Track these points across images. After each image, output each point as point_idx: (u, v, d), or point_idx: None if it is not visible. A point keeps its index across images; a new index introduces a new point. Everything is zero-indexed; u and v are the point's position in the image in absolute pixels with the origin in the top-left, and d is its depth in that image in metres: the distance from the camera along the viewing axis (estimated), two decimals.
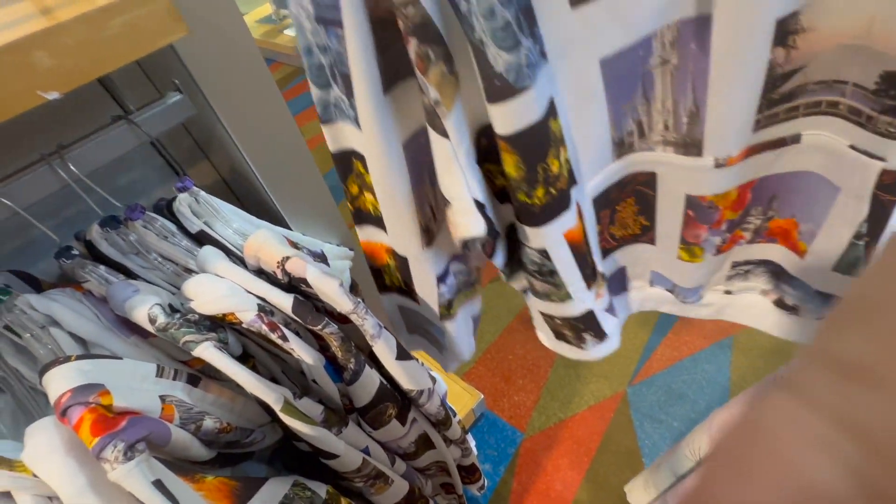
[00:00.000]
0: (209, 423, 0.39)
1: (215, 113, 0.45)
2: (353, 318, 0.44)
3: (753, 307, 0.50)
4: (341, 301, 0.42)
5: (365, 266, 0.53)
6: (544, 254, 0.41)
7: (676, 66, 0.33)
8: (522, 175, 0.35)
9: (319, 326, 0.43)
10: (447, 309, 0.48)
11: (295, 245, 0.47)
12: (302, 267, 0.42)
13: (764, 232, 0.45)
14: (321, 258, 0.50)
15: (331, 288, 0.41)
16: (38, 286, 0.45)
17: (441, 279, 0.45)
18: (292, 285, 0.43)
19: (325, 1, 0.28)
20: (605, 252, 0.47)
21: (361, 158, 0.36)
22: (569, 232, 0.39)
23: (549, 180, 0.35)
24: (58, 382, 0.32)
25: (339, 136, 0.37)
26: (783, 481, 0.17)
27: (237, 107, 0.46)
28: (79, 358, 0.34)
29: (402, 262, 0.45)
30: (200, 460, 0.39)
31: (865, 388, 0.16)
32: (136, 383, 0.36)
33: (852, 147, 0.35)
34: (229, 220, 0.47)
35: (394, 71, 0.32)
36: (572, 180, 0.37)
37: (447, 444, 0.65)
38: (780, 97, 0.34)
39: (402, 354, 0.50)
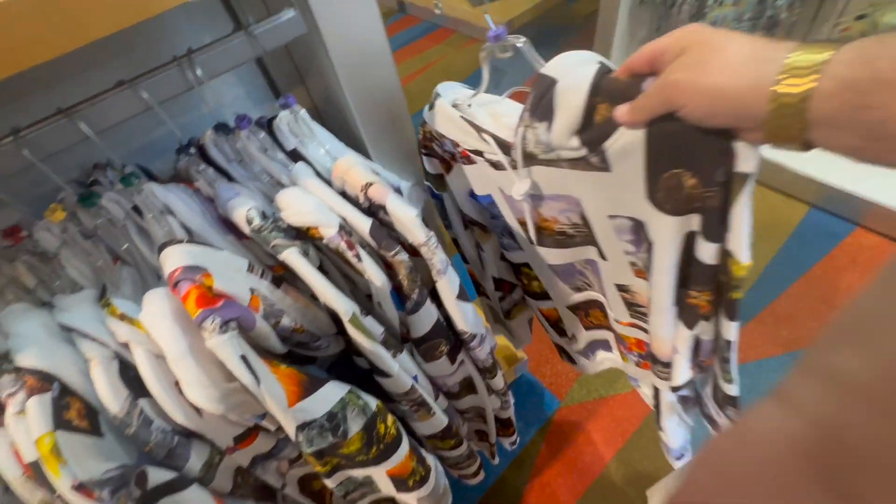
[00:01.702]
0: (286, 321, 0.43)
1: (321, 36, 0.47)
2: (423, 250, 0.46)
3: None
4: (416, 231, 0.44)
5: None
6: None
7: (591, 269, 0.55)
8: None
9: (392, 253, 0.45)
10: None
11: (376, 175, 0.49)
12: (383, 194, 0.44)
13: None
14: (398, 192, 0.52)
15: (408, 217, 0.43)
16: (155, 182, 0.51)
17: None
18: (372, 211, 0.46)
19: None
20: (590, 327, 0.70)
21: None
22: (543, 309, 0.70)
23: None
24: (173, 258, 0.36)
25: None
26: (754, 471, 0.19)
27: (342, 32, 0.48)
28: (189, 242, 0.38)
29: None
30: (275, 352, 0.44)
31: (852, 399, 0.17)
32: (231, 273, 0.40)
33: None
34: (322, 142, 0.49)
35: None
36: (544, 295, 0.66)
37: (489, 392, 0.68)
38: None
39: (462, 295, 0.51)
